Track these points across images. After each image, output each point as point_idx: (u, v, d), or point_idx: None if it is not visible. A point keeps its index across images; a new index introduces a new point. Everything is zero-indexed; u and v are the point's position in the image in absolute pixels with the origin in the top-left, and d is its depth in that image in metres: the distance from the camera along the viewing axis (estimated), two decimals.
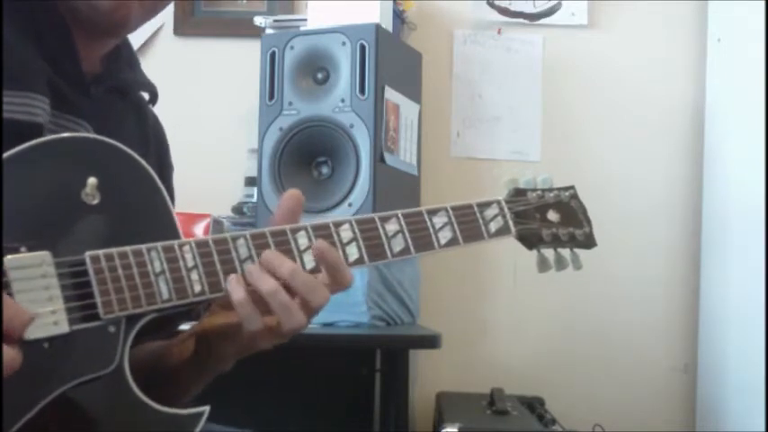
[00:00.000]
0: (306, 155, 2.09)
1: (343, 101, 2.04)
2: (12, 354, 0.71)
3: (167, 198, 0.87)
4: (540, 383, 2.40)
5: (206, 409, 0.85)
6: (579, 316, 2.50)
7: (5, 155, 0.78)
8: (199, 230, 2.13)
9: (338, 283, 0.87)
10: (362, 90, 2.02)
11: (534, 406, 2.19)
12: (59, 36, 0.92)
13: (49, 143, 0.81)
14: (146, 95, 1.10)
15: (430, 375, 2.46)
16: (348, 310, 1.92)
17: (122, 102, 1.03)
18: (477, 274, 2.52)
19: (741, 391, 2.18)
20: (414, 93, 2.26)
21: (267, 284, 0.84)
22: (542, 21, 2.51)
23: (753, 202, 2.11)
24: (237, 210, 2.31)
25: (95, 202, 0.81)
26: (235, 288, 0.83)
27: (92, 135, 0.87)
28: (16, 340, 0.72)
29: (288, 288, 0.84)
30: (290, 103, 2.09)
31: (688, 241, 2.49)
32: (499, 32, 2.53)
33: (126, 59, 1.05)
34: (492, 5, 2.51)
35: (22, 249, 0.75)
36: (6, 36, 0.86)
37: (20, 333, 0.72)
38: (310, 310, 0.86)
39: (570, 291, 2.46)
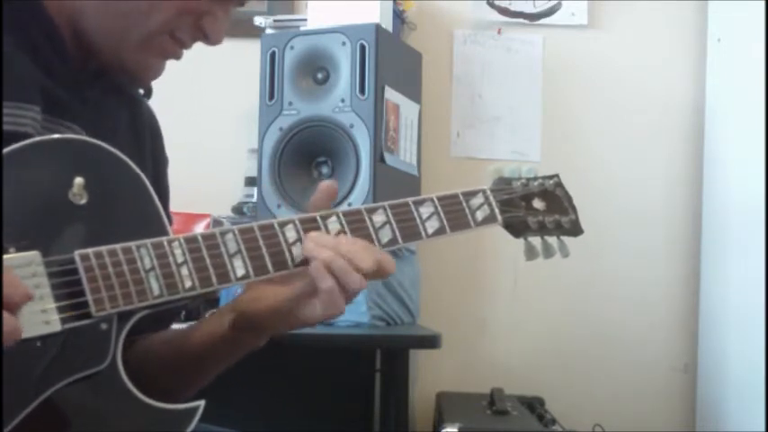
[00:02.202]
0: (306, 155, 2.09)
1: (343, 101, 2.04)
2: (13, 322, 0.70)
3: (155, 196, 0.87)
4: (540, 383, 2.40)
5: (201, 403, 0.85)
6: (579, 316, 2.50)
7: None
8: (199, 230, 2.13)
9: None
10: (362, 90, 2.02)
11: (534, 406, 2.19)
12: (53, 44, 0.92)
13: (36, 145, 0.81)
14: (140, 90, 1.10)
15: (430, 375, 2.46)
16: (348, 310, 1.91)
17: (116, 99, 1.03)
18: (477, 274, 2.52)
19: (741, 391, 2.18)
20: (414, 93, 2.26)
21: (325, 253, 0.88)
22: (542, 21, 2.51)
23: (753, 202, 2.11)
24: (237, 210, 2.31)
25: (83, 201, 0.81)
26: (324, 275, 0.87)
27: (77, 136, 0.88)
28: (15, 312, 0.72)
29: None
30: (290, 103, 2.09)
31: (688, 241, 2.49)
32: (499, 32, 2.53)
33: None
34: (492, 5, 2.51)
35: (11, 250, 0.76)
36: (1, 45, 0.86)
37: (19, 304, 0.72)
38: (364, 273, 0.89)
39: (570, 291, 2.46)
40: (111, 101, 1.02)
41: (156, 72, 0.99)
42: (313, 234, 0.91)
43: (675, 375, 2.49)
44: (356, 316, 1.92)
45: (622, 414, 2.43)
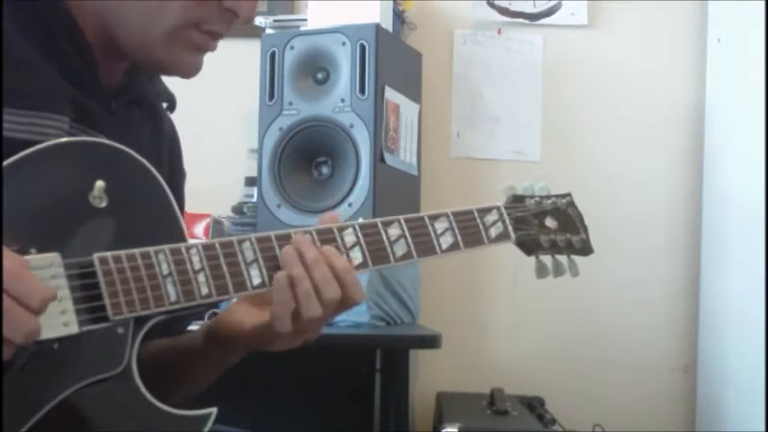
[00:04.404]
0: (306, 155, 2.09)
1: (343, 101, 2.04)
2: (33, 322, 0.69)
3: (174, 202, 0.87)
4: (540, 383, 2.40)
5: (213, 410, 0.86)
6: (579, 316, 2.50)
7: (15, 157, 0.78)
8: (199, 230, 2.13)
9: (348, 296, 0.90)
10: (362, 90, 2.02)
11: (534, 406, 2.19)
12: (81, 54, 0.92)
13: (58, 147, 0.81)
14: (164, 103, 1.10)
15: (430, 375, 2.46)
16: (348, 310, 1.92)
17: (140, 111, 1.03)
18: (477, 274, 2.52)
19: (741, 391, 2.18)
20: (414, 93, 2.26)
21: (297, 269, 0.87)
22: (542, 21, 2.52)
23: (753, 202, 2.11)
24: (237, 210, 2.31)
25: (103, 205, 0.82)
26: (284, 289, 0.87)
27: (99, 139, 0.88)
28: (38, 313, 0.70)
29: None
30: (290, 103, 2.09)
31: (688, 242, 2.49)
32: (499, 32, 2.53)
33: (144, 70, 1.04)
34: (492, 5, 2.51)
35: (32, 251, 0.75)
36: (29, 56, 0.86)
37: (43, 306, 0.71)
38: (325, 304, 0.88)
39: (570, 291, 2.46)
40: (134, 112, 1.02)
41: (194, 66, 0.96)
42: (299, 239, 0.90)
43: (675, 375, 2.49)
44: (356, 316, 1.92)
45: (622, 414, 2.43)
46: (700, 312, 2.44)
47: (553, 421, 2.10)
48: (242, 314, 0.95)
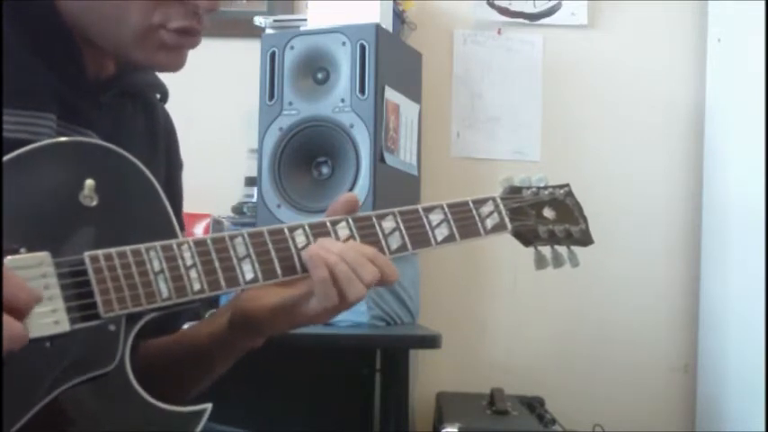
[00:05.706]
0: (306, 155, 2.09)
1: (343, 101, 2.04)
2: (18, 327, 0.70)
3: (165, 200, 0.87)
4: (540, 383, 2.40)
5: (208, 406, 0.86)
6: (579, 316, 2.50)
7: (5, 158, 0.78)
8: (199, 230, 2.13)
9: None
10: (362, 90, 2.02)
11: (534, 406, 2.19)
12: (67, 50, 0.92)
13: (48, 147, 0.81)
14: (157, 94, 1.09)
15: (430, 375, 2.46)
16: (348, 310, 1.92)
17: (132, 104, 1.03)
18: (477, 274, 2.52)
19: (741, 391, 2.18)
20: (414, 93, 2.26)
21: (331, 257, 0.87)
22: (542, 21, 2.52)
23: (753, 202, 2.11)
24: (237, 210, 2.31)
25: (93, 203, 0.82)
26: (319, 266, 0.87)
27: (89, 139, 0.88)
28: (23, 316, 0.71)
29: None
30: (290, 103, 2.09)
31: (688, 241, 2.49)
32: (499, 32, 2.53)
33: None
34: (492, 5, 2.51)
35: (22, 250, 0.76)
36: (14, 53, 0.86)
37: (28, 308, 0.72)
38: (366, 283, 0.88)
39: (570, 291, 2.46)
40: (126, 105, 1.01)
41: (174, 64, 0.94)
42: (321, 239, 0.90)
43: (675, 375, 2.49)
44: (356, 316, 1.92)
45: (622, 414, 2.43)
46: (700, 312, 2.44)
47: (553, 421, 2.10)
48: (263, 295, 0.93)
